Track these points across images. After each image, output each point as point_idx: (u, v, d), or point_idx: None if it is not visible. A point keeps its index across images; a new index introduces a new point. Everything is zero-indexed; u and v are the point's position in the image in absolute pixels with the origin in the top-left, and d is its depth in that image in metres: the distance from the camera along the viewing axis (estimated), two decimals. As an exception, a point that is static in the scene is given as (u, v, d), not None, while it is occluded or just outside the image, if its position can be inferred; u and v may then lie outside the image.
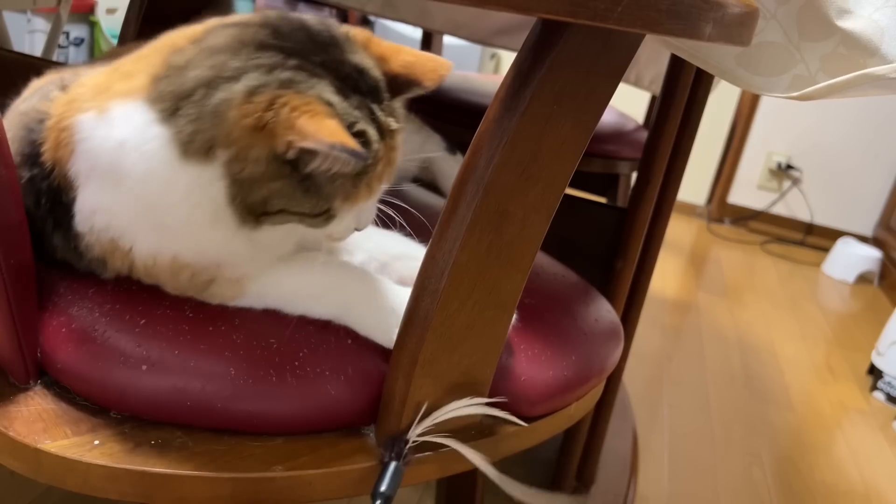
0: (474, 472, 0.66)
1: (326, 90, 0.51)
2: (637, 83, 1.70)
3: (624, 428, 1.53)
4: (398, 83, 0.56)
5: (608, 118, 1.84)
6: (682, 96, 1.00)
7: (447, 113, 1.42)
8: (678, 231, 3.05)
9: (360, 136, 0.52)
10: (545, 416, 0.66)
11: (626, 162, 1.60)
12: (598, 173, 1.73)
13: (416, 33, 2.60)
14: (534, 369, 0.65)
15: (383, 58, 0.56)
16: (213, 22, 0.55)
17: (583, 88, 0.53)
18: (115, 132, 0.52)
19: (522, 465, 1.22)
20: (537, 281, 0.78)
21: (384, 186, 0.57)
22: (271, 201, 0.52)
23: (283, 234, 0.57)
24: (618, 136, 1.65)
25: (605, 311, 0.79)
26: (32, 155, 0.57)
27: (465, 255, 0.53)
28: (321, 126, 0.48)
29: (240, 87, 0.50)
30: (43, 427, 0.53)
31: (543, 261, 0.84)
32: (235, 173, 0.51)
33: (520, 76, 0.51)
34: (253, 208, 0.53)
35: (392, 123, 0.55)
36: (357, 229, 0.59)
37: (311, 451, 0.56)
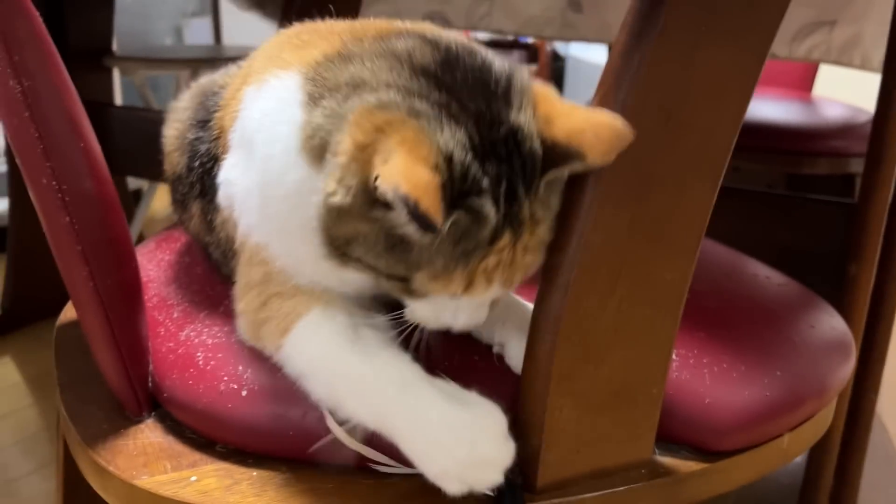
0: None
1: (454, 141, 0.42)
2: (864, 65, 1.44)
3: (887, 481, 1.25)
4: (556, 153, 0.43)
5: (834, 112, 1.59)
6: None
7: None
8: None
9: (471, 211, 0.41)
10: (742, 450, 0.51)
11: (859, 159, 1.36)
12: (828, 176, 1.49)
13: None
14: (722, 388, 0.50)
15: (548, 119, 0.44)
16: (403, 26, 0.50)
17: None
18: (263, 103, 0.50)
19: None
20: (728, 283, 0.62)
21: (499, 289, 0.45)
22: (352, 245, 0.44)
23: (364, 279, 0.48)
24: (847, 130, 1.41)
25: (825, 317, 0.61)
26: (203, 120, 0.58)
27: (598, 236, 0.41)
28: (409, 171, 0.39)
29: (371, 99, 0.43)
30: (144, 462, 0.49)
31: (741, 262, 0.68)
32: (329, 194, 0.43)
33: (649, -8, 0.39)
34: (336, 244, 0.45)
35: (536, 212, 0.43)
36: (452, 327, 0.47)
37: (426, 494, 0.46)
